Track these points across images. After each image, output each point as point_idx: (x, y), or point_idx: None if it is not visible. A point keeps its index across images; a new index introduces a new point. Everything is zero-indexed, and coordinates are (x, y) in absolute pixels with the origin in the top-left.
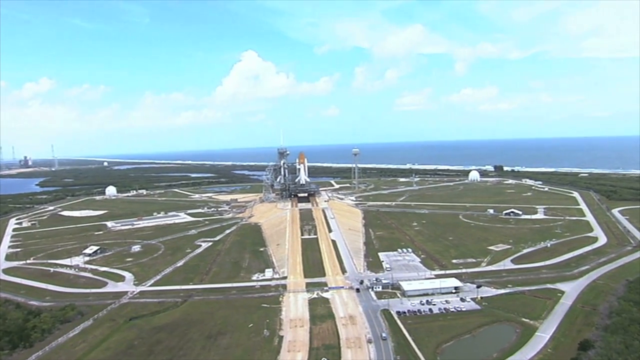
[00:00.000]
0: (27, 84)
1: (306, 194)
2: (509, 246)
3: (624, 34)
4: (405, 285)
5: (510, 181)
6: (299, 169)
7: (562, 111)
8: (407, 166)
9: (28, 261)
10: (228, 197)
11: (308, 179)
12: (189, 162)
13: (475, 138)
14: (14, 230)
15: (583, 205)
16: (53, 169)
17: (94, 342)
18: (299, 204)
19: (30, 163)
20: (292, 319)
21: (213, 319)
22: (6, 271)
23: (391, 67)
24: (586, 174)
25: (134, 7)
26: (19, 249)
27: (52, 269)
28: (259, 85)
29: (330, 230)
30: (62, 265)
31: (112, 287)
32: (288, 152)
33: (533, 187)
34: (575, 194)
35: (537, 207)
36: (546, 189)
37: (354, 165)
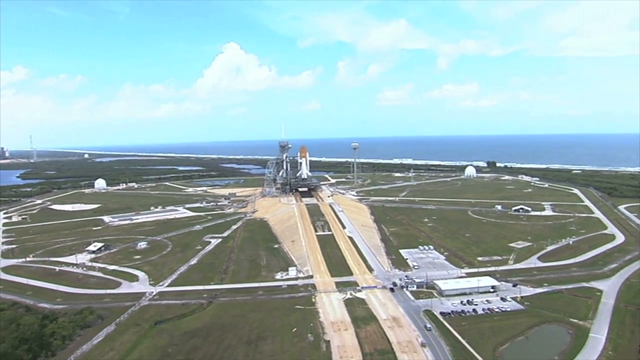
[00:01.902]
0: (0, 72)
1: (307, 189)
2: (529, 243)
3: (602, 34)
4: (442, 285)
5: (507, 177)
6: (301, 162)
7: (541, 109)
8: (398, 161)
9: (28, 259)
10: (225, 191)
11: (310, 173)
12: (172, 154)
13: (456, 134)
14: (4, 225)
15: (587, 202)
16: (32, 161)
17: (123, 350)
18: (303, 199)
19: (7, 154)
20: (333, 321)
21: (247, 323)
22: (6, 270)
23: (374, 62)
24: (579, 171)
25: None
26: (14, 246)
27: (57, 268)
28: (241, 78)
29: (343, 227)
30: (67, 264)
31: (127, 287)
32: (290, 146)
33: (532, 184)
34: (576, 191)
35: (543, 203)
36: (546, 186)
37: (352, 160)
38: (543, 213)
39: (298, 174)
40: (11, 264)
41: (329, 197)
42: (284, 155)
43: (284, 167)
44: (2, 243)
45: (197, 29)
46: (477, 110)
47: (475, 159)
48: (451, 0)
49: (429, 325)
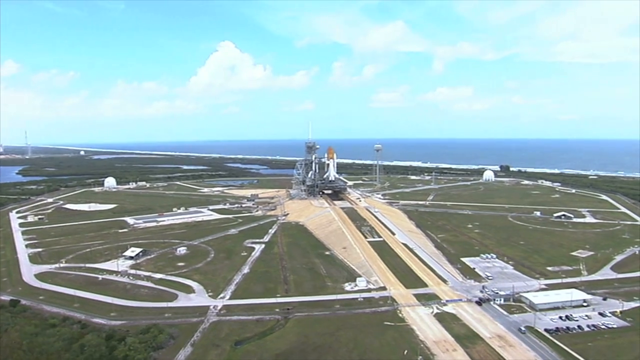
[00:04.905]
0: None
1: (331, 191)
2: (591, 252)
3: (596, 40)
4: (533, 298)
5: (527, 182)
6: (328, 164)
7: (533, 113)
8: (407, 164)
9: (61, 265)
10: (243, 192)
11: (337, 175)
12: (172, 153)
13: (449, 137)
14: (20, 225)
15: (624, 209)
16: (27, 157)
17: None
18: (335, 202)
19: (1, 150)
20: (435, 340)
21: (341, 343)
22: (41, 277)
23: (369, 63)
24: (595, 176)
25: None
26: (40, 249)
27: (100, 276)
28: (235, 77)
29: (392, 233)
30: (107, 271)
31: (185, 300)
32: (318, 147)
33: (557, 189)
34: (605, 197)
35: (580, 210)
36: (573, 192)
37: (375, 162)
38: (585, 220)
39: (325, 176)
40: (44, 270)
41: (358, 200)
42: (313, 157)
43: (313, 168)
44: (26, 246)
45: (192, 27)
46: (470, 113)
47: (482, 162)
48: (446, 3)
49: (523, 329)
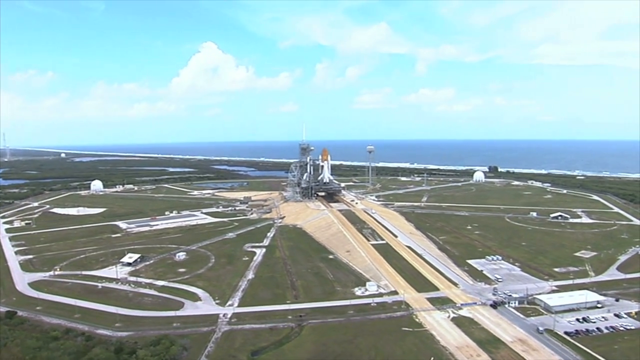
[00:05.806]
0: None
1: (325, 193)
2: (594, 253)
3: (574, 43)
4: (549, 301)
5: (517, 183)
6: (322, 166)
7: (515, 114)
8: (395, 165)
9: (55, 272)
10: (235, 195)
11: (331, 177)
12: (156, 155)
13: (433, 138)
14: (7, 231)
15: (617, 209)
16: (6, 160)
17: None
18: (332, 204)
19: None
20: (458, 346)
21: (361, 350)
22: (36, 286)
23: (352, 65)
24: (582, 177)
25: None
26: (31, 256)
27: (100, 284)
28: (217, 78)
29: (394, 235)
30: (106, 279)
31: (192, 308)
32: (312, 148)
33: (548, 190)
34: (596, 197)
35: (574, 210)
36: (565, 192)
37: (367, 164)
38: (581, 221)
39: (319, 178)
40: (38, 278)
41: (354, 202)
42: (308, 158)
43: (308, 170)
44: (15, 252)
45: (173, 28)
46: (453, 114)
47: (469, 163)
48: (428, 6)
49: (541, 329)
